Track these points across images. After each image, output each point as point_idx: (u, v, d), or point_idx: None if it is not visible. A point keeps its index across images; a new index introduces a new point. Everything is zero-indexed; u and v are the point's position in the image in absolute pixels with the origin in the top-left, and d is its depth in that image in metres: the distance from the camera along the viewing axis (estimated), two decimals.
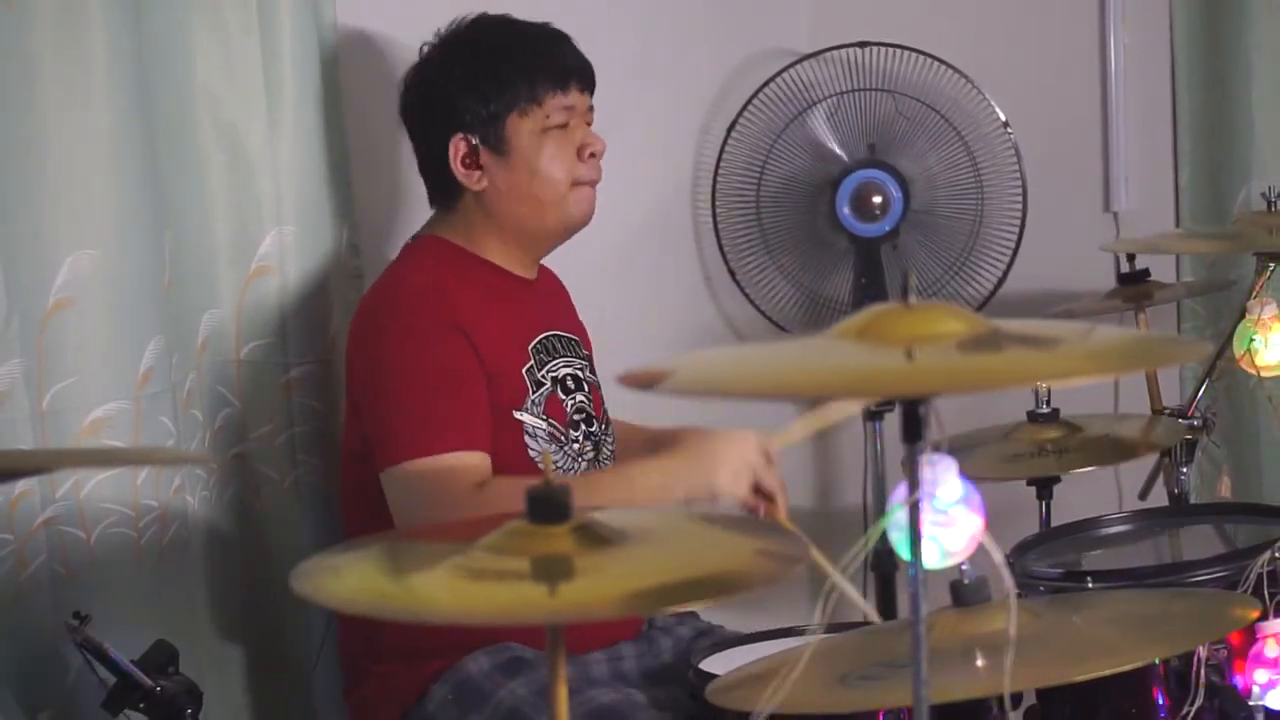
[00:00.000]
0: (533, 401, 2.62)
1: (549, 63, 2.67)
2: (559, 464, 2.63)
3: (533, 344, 2.67)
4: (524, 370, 2.64)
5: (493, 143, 2.64)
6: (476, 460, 2.51)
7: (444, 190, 2.71)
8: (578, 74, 2.69)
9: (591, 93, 2.71)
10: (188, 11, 2.64)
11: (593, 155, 2.68)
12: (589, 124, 2.71)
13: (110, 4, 2.44)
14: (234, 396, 2.71)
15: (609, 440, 2.74)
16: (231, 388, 2.71)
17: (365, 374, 2.60)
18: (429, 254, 2.69)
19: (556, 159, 2.65)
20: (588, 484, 2.56)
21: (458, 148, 2.65)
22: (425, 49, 2.72)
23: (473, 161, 2.65)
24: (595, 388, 2.75)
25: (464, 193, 2.68)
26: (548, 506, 1.51)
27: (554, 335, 2.72)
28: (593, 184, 2.69)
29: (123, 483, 2.46)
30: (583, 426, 2.69)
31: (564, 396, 2.67)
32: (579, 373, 2.72)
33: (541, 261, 2.80)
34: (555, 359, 2.70)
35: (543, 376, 2.66)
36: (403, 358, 2.54)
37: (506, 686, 2.50)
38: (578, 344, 2.77)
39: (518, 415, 2.61)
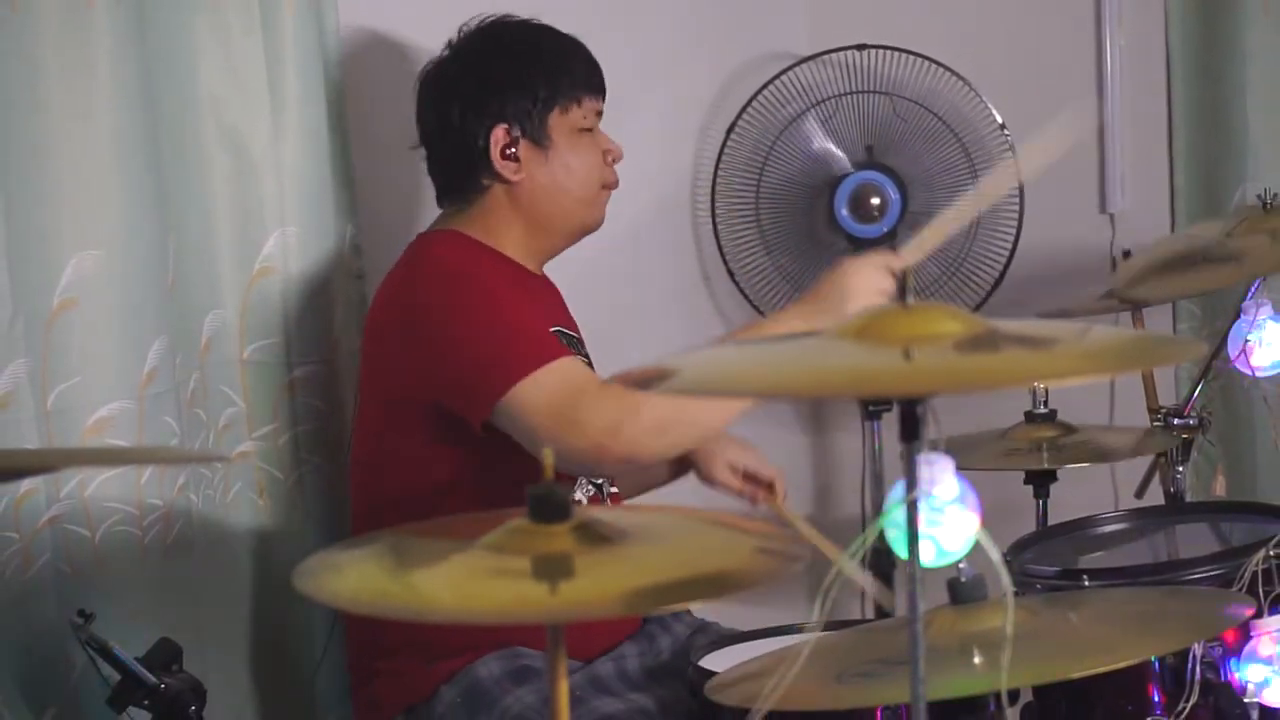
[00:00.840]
0: None
1: (584, 67, 2.71)
2: None
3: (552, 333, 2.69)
4: None
5: (535, 136, 2.66)
6: (583, 365, 2.49)
7: (466, 183, 2.69)
8: (601, 83, 2.73)
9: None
10: (190, 13, 2.65)
11: (614, 161, 2.72)
12: None
13: (114, 6, 2.45)
14: (238, 396, 2.72)
15: None
16: (235, 388, 2.71)
17: (413, 354, 2.55)
18: (449, 242, 2.68)
19: (589, 160, 2.69)
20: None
21: (498, 138, 2.65)
22: (449, 48, 2.71)
23: (512, 154, 2.67)
24: None
25: (489, 186, 2.67)
26: (548, 505, 1.51)
27: (561, 330, 2.73)
28: (612, 189, 2.73)
29: (127, 482, 2.47)
30: None
31: None
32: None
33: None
34: None
35: None
36: (460, 313, 2.52)
37: (514, 694, 2.51)
38: (579, 342, 2.79)
39: None
